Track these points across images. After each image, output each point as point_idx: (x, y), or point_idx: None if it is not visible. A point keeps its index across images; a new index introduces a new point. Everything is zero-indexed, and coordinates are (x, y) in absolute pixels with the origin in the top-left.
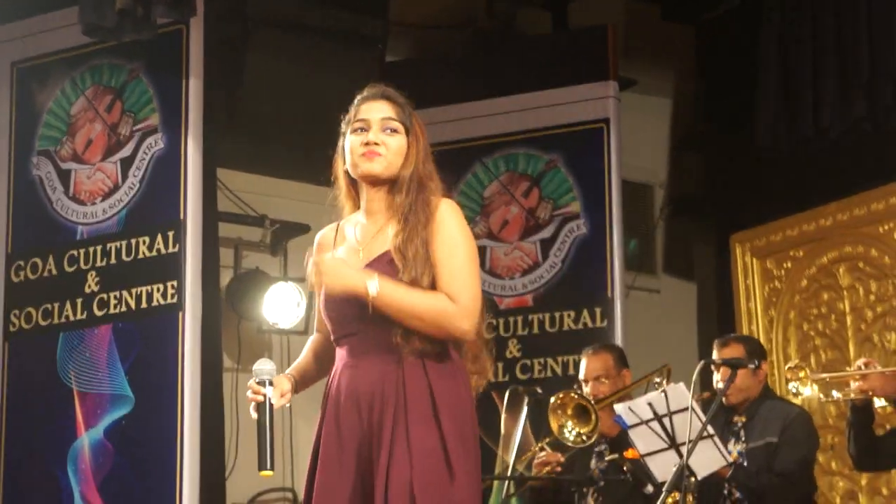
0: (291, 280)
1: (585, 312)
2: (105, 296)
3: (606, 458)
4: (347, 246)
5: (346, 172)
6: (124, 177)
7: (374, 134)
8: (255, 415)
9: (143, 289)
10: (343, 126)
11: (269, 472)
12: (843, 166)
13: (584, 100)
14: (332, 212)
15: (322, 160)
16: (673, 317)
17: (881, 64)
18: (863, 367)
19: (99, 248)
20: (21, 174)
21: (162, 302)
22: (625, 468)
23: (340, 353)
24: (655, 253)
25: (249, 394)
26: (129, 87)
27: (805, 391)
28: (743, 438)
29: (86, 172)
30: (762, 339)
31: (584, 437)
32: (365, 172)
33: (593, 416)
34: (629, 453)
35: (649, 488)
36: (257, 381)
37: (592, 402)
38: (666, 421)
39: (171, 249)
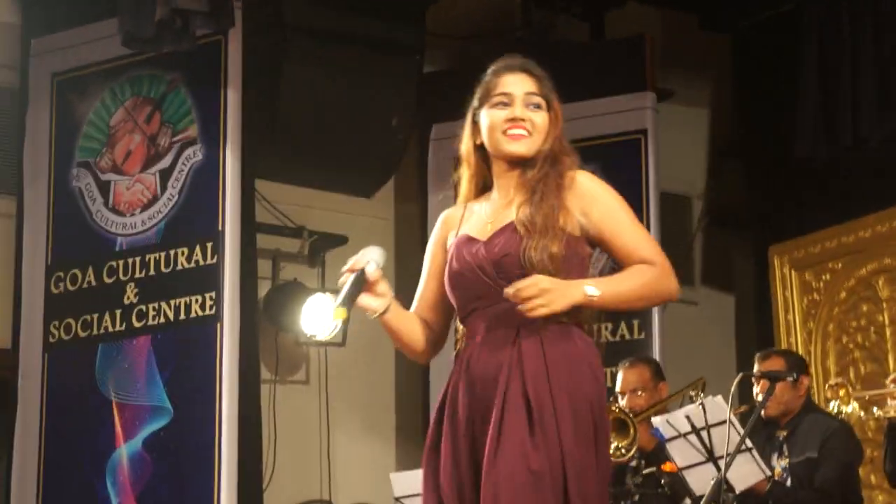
0: (329, 291)
1: (623, 325)
2: (144, 307)
3: (643, 472)
4: (477, 220)
5: (478, 147)
6: (163, 188)
7: (520, 109)
8: (343, 280)
9: (182, 300)
10: (475, 100)
11: (343, 312)
12: (882, 177)
13: (621, 111)
14: (370, 222)
15: (360, 171)
16: (711, 329)
17: None
18: None
19: (138, 259)
20: (61, 185)
21: (200, 313)
22: (662, 482)
23: (468, 332)
24: (694, 264)
25: (352, 265)
26: (168, 98)
27: (846, 409)
28: (786, 453)
29: (125, 183)
30: (801, 352)
31: (623, 451)
32: (511, 153)
33: (632, 430)
34: (667, 466)
35: (687, 502)
36: (366, 259)
37: (631, 415)
38: (704, 434)
39: (209, 261)
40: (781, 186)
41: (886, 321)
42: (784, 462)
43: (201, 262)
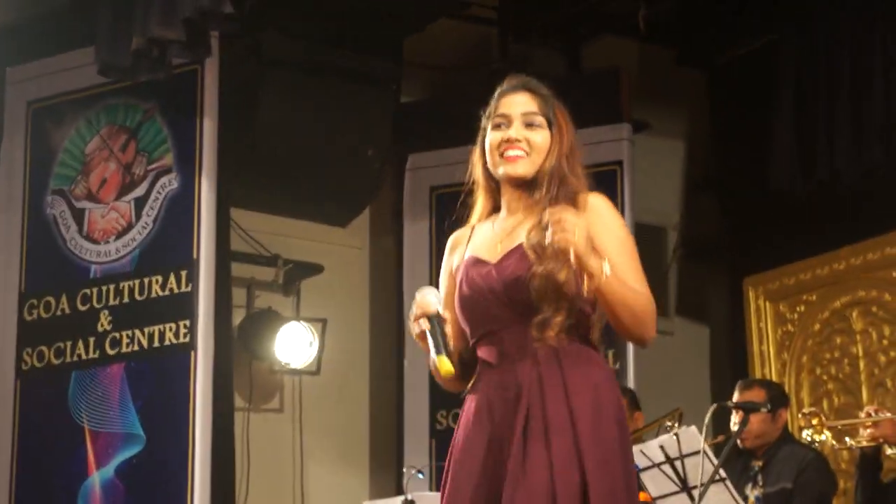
0: (304, 320)
1: None
2: (118, 335)
3: None
4: (484, 241)
5: (486, 170)
6: (138, 216)
7: (516, 130)
8: (418, 329)
9: (156, 328)
10: (483, 121)
11: (446, 361)
12: (856, 211)
13: (597, 142)
14: (345, 252)
15: (335, 200)
16: (686, 360)
17: None
18: (872, 413)
19: (112, 287)
20: (35, 213)
21: (174, 341)
22: None
23: (480, 356)
24: (669, 295)
25: (417, 321)
26: (144, 126)
27: (819, 438)
28: (760, 483)
29: (100, 211)
30: None
31: None
32: (506, 175)
33: None
34: (641, 496)
35: None
36: (429, 312)
37: None
38: (678, 464)
39: (183, 289)
40: (756, 218)
41: (860, 353)
42: (758, 492)
43: (175, 290)
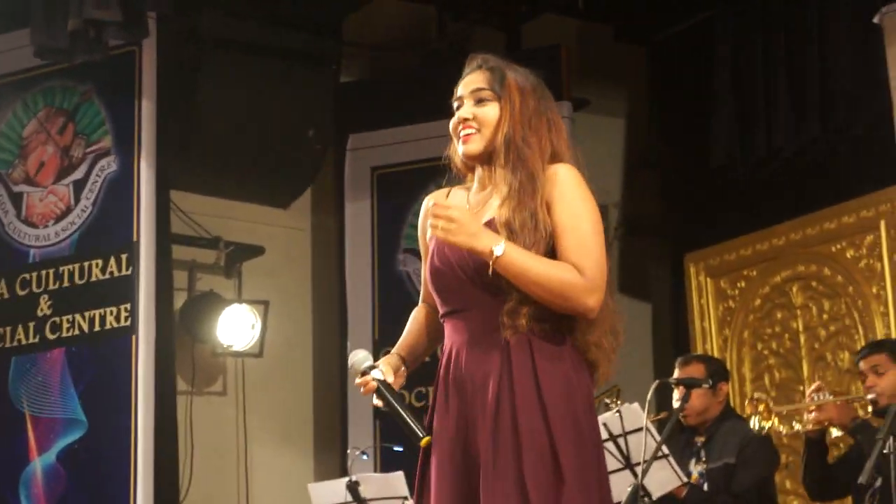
0: (246, 302)
1: None
2: (58, 319)
3: None
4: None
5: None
6: (77, 199)
7: (465, 108)
8: (377, 402)
9: (97, 312)
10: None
11: (427, 439)
12: (796, 186)
13: None
14: (287, 233)
15: (276, 182)
16: (628, 336)
17: (833, 85)
18: (816, 396)
19: (51, 271)
20: None
21: (115, 325)
22: None
23: (448, 332)
24: (610, 273)
25: (359, 385)
26: (82, 109)
27: (766, 424)
28: (703, 458)
29: (38, 195)
30: None
31: None
32: (463, 155)
33: None
34: None
35: None
36: (361, 370)
37: None
38: (621, 441)
39: (124, 272)
40: (697, 195)
41: (800, 328)
42: (701, 467)
43: (116, 274)
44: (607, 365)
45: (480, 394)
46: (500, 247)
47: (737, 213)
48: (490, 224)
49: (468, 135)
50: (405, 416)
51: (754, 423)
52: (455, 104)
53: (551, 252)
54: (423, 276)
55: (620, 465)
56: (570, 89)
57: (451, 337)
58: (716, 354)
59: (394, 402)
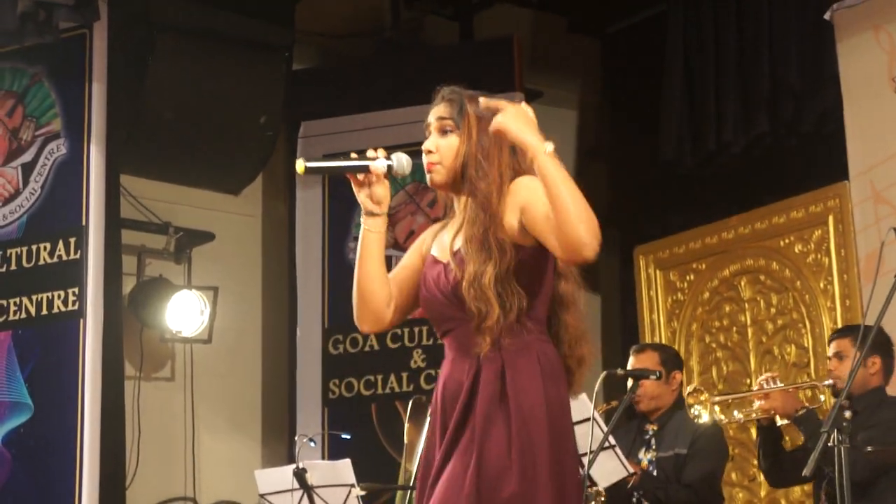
0: (195, 288)
1: None
2: (5, 302)
3: None
4: (441, 240)
5: None
6: (25, 182)
7: (430, 140)
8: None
9: (44, 295)
10: None
11: (302, 166)
12: (745, 180)
13: None
14: (237, 220)
15: (227, 168)
16: None
17: (782, 80)
18: (766, 383)
19: None
20: None
21: (63, 309)
22: None
23: (446, 352)
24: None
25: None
26: (31, 91)
27: (706, 415)
28: (654, 447)
29: None
30: None
31: None
32: (431, 185)
33: None
34: None
35: None
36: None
37: None
38: None
39: (72, 256)
40: (647, 188)
41: (748, 321)
42: (651, 455)
43: (64, 258)
44: (582, 379)
45: (455, 403)
46: (550, 146)
47: (686, 206)
48: (455, 255)
49: (431, 166)
50: (345, 164)
51: (695, 411)
52: (426, 133)
53: (519, 268)
54: (394, 271)
55: None
56: (523, 80)
57: (446, 357)
58: None
59: (344, 162)
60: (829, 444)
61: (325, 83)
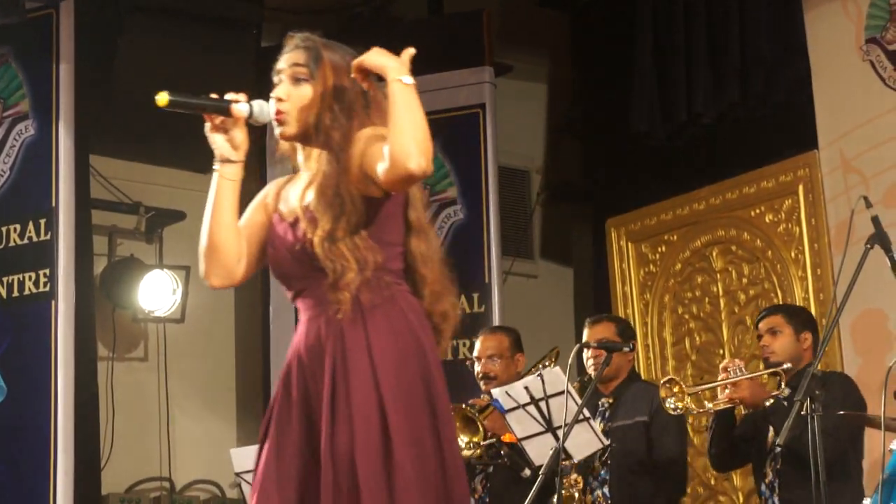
0: (167, 268)
1: (463, 298)
2: None
3: (483, 444)
4: (287, 196)
5: None
6: None
7: (280, 87)
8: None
9: (15, 277)
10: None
11: (165, 98)
12: (716, 151)
13: (459, 85)
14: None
15: (196, 147)
16: (550, 302)
17: (753, 50)
18: (732, 370)
19: None
20: None
21: (34, 290)
22: (502, 452)
23: (299, 311)
24: (533, 238)
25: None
26: None
27: (681, 405)
28: (608, 418)
29: None
30: (637, 323)
31: (472, 445)
32: (279, 137)
33: (479, 425)
34: (506, 437)
35: (526, 472)
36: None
37: (476, 411)
38: (542, 405)
39: (43, 237)
40: (618, 160)
41: (720, 292)
42: (602, 426)
43: (35, 239)
44: (450, 337)
45: (319, 370)
46: (410, 78)
47: (657, 178)
48: (305, 211)
49: (281, 117)
50: (207, 102)
51: (669, 404)
52: (275, 80)
53: (370, 222)
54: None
55: (542, 429)
56: (493, 54)
57: (300, 318)
58: (637, 318)
59: (205, 98)
60: (801, 413)
61: None
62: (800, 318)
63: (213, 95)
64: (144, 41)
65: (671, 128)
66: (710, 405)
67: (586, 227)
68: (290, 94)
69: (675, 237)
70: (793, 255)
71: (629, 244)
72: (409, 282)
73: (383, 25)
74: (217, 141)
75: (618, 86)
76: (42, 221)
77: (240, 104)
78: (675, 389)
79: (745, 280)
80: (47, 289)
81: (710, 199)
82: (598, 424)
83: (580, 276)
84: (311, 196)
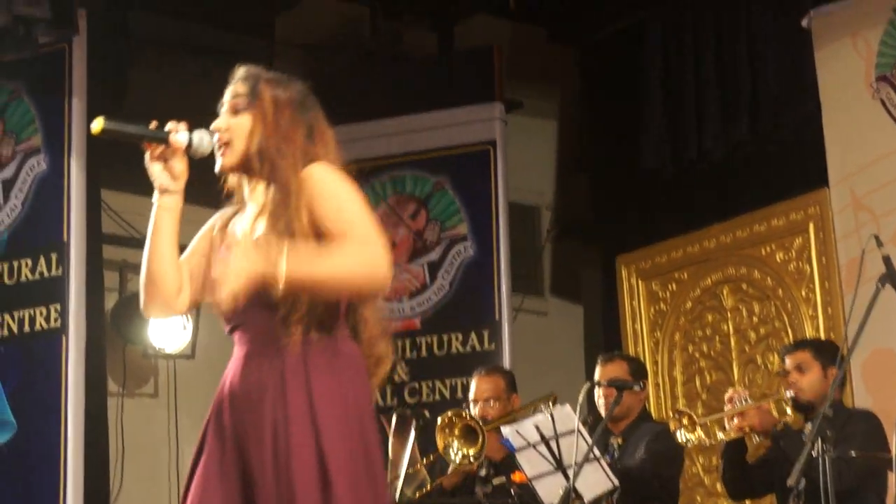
0: None
1: (473, 335)
2: None
3: (494, 482)
4: (234, 228)
5: None
6: (6, 198)
7: (220, 119)
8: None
9: (26, 312)
10: None
11: (101, 123)
12: (726, 188)
13: (470, 121)
14: None
15: (207, 181)
16: (560, 339)
17: (763, 87)
18: (736, 400)
19: None
20: None
21: (45, 326)
22: (512, 492)
23: (235, 347)
24: (543, 275)
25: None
26: (11, 107)
27: (692, 436)
28: (617, 459)
29: None
30: (648, 361)
31: (471, 459)
32: (220, 169)
33: (481, 438)
34: (516, 476)
35: None
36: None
37: (481, 423)
38: (553, 444)
39: (54, 272)
40: (628, 197)
41: (731, 330)
42: (611, 466)
43: (46, 274)
44: (381, 365)
45: (257, 410)
46: (283, 265)
47: (668, 215)
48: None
49: (222, 147)
50: (144, 132)
51: (680, 436)
52: (219, 111)
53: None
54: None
55: (552, 468)
56: (503, 90)
57: (235, 352)
58: (647, 357)
59: (143, 128)
60: (813, 454)
61: None
62: (827, 355)
63: (153, 124)
64: (155, 75)
65: (681, 164)
66: (722, 436)
67: (596, 264)
68: (229, 125)
69: (686, 275)
70: (803, 293)
71: (639, 281)
72: (348, 323)
73: (394, 62)
74: (155, 171)
75: (627, 122)
76: (53, 256)
77: (179, 134)
78: (685, 421)
79: (755, 318)
80: (58, 324)
81: (720, 236)
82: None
83: (590, 313)
84: (261, 228)
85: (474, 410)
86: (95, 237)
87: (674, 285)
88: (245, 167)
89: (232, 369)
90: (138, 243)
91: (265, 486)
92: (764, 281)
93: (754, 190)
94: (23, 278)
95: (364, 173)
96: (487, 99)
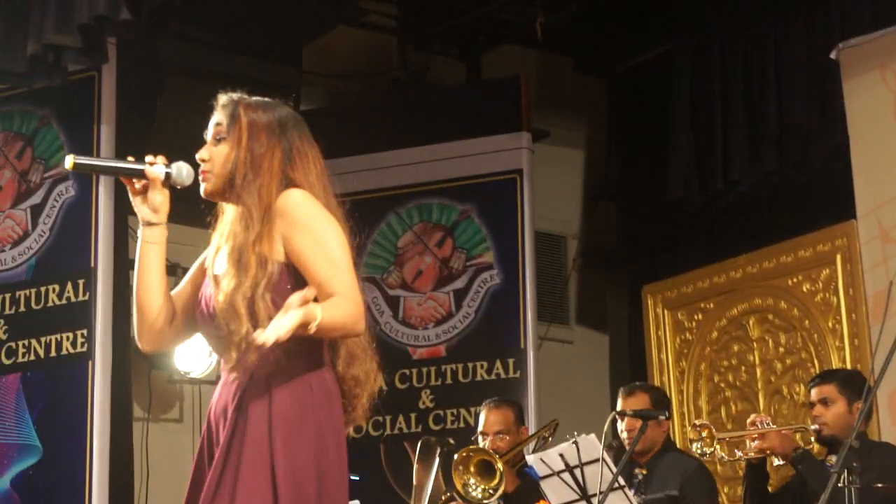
0: None
1: (498, 363)
2: (13, 344)
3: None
4: (210, 267)
5: None
6: (34, 224)
7: (204, 148)
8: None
9: (53, 337)
10: None
11: (72, 162)
12: (753, 219)
13: (497, 150)
14: None
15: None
16: (585, 368)
17: (790, 118)
18: (758, 424)
19: (8, 296)
20: None
21: (71, 351)
22: None
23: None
24: (569, 304)
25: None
26: (40, 133)
27: (709, 450)
28: (642, 490)
29: None
30: (673, 391)
31: (491, 492)
32: (203, 195)
33: (498, 471)
34: None
35: None
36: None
37: (497, 456)
38: (577, 472)
39: (81, 298)
40: (655, 227)
41: (757, 361)
42: (638, 499)
43: (73, 299)
44: (367, 403)
45: (222, 429)
46: (317, 313)
47: (694, 245)
48: (216, 278)
49: (203, 174)
50: (118, 165)
51: (697, 448)
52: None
53: (289, 280)
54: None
55: (577, 497)
56: (530, 120)
57: (221, 376)
58: (672, 387)
59: (118, 162)
60: (839, 486)
61: (332, 124)
62: (854, 388)
63: (130, 158)
64: (184, 104)
65: (708, 195)
66: (740, 453)
67: (622, 293)
68: (211, 154)
69: (712, 305)
70: (830, 324)
71: (665, 311)
72: (329, 344)
73: (422, 91)
74: (136, 204)
75: (654, 152)
76: (81, 282)
77: (155, 167)
78: (704, 434)
79: (781, 349)
80: (84, 349)
81: (747, 267)
82: (633, 497)
83: (616, 342)
84: (221, 259)
85: (483, 443)
86: (122, 263)
87: (700, 315)
88: (224, 194)
89: (215, 392)
90: (167, 270)
91: (211, 476)
92: (790, 311)
93: (781, 221)
94: (50, 303)
95: (392, 202)
96: (514, 128)
